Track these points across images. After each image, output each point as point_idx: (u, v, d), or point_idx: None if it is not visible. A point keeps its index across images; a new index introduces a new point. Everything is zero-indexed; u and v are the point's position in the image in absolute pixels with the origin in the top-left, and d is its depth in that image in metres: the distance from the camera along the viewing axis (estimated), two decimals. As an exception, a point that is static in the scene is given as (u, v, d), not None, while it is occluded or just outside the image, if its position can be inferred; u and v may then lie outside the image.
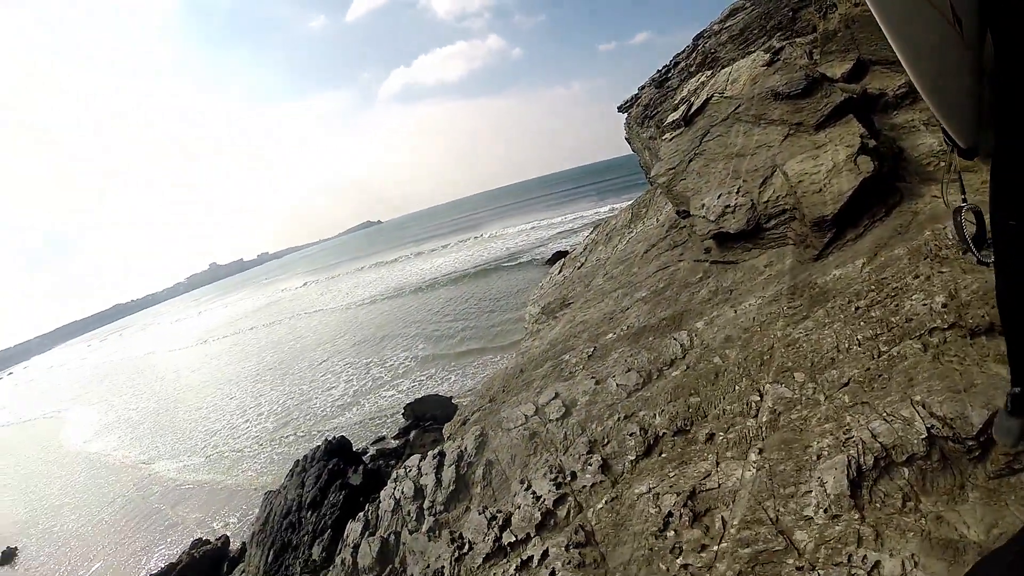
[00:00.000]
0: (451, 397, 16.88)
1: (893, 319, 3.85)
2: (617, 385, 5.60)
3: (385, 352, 24.80)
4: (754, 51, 9.69)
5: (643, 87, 12.60)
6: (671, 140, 8.96)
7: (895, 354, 3.51)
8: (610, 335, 7.20)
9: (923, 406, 2.94)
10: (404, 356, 23.43)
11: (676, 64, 11.95)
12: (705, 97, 8.78)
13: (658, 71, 12.24)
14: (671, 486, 3.80)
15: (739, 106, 8.05)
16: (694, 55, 11.46)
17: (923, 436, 2.82)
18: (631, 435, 4.66)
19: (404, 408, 17.30)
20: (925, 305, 3.75)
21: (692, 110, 8.87)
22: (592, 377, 6.10)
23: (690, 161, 8.28)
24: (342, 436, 15.33)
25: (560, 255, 18.24)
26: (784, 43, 9.26)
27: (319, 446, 14.63)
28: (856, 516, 2.79)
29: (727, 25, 10.95)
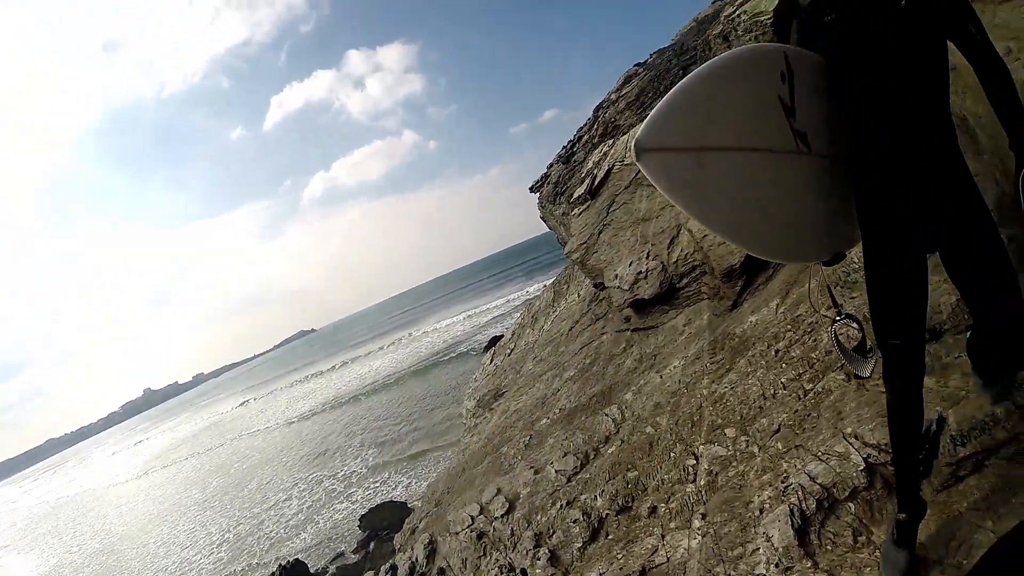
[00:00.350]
0: (405, 502, 16.06)
1: (813, 355, 3.77)
2: (556, 472, 5.36)
3: (335, 464, 23.61)
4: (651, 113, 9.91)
5: (551, 165, 12.77)
6: (579, 215, 8.96)
7: (820, 390, 3.43)
8: (544, 420, 6.97)
9: (856, 437, 2.86)
10: (355, 465, 22.33)
11: (580, 138, 12.15)
12: (607, 168, 8.89)
13: (564, 147, 12.45)
14: (620, 568, 3.58)
15: (639, 171, 8.01)
16: (596, 127, 11.65)
17: (861, 467, 2.71)
18: (575, 522, 4.43)
19: (360, 519, 16.39)
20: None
21: (596, 182, 8.94)
22: (531, 467, 5.85)
23: (599, 233, 8.29)
24: (297, 559, 14.19)
25: (496, 339, 17.98)
26: (677, 104, 9.46)
27: (273, 573, 13.52)
28: (809, 564, 2.60)
29: (623, 93, 11.24)
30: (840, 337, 1.89)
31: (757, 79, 1.50)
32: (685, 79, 1.36)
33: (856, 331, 1.85)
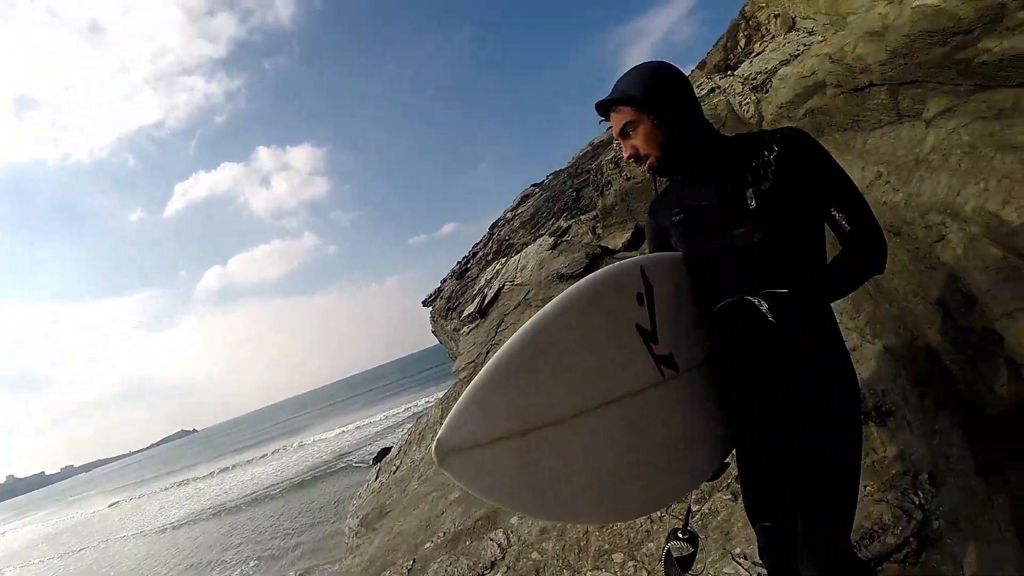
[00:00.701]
0: None
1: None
2: (440, 600, 4.84)
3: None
4: (544, 233, 9.69)
5: (445, 280, 12.31)
6: (469, 333, 8.40)
7: (707, 511, 3.29)
8: (428, 544, 6.48)
9: (744, 557, 2.78)
10: None
11: (475, 254, 11.85)
12: (498, 287, 8.46)
13: (458, 262, 12.08)
14: None
15: (529, 292, 7.72)
16: (491, 244, 11.41)
17: (751, 588, 2.57)
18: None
19: None
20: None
21: (486, 301, 8.46)
22: (414, 594, 5.32)
23: (487, 352, 7.66)
24: None
25: (385, 452, 17.06)
26: (571, 222, 9.38)
27: None
28: None
29: (519, 211, 11.10)
30: (672, 550, 1.81)
31: (606, 318, 1.34)
32: (503, 349, 1.16)
33: (689, 549, 1.77)
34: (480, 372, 1.13)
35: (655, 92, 1.49)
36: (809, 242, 1.47)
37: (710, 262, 1.53)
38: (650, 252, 1.78)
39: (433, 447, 1.06)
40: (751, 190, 1.43)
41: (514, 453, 1.13)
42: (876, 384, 2.55)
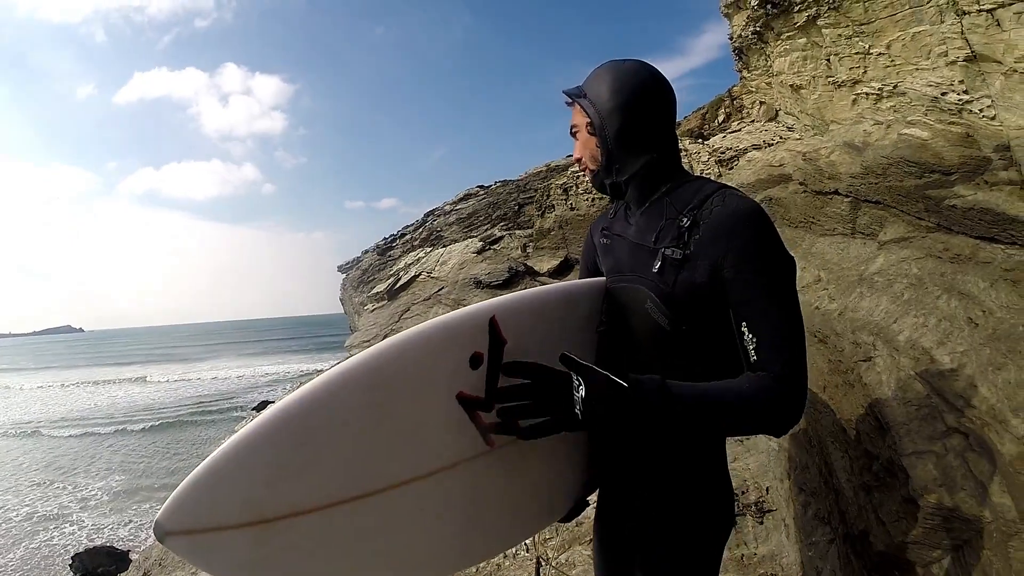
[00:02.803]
0: (128, 551, 13.21)
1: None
2: None
3: (77, 479, 19.64)
4: (476, 236, 9.58)
5: (367, 251, 11.95)
6: (372, 311, 8.14)
7: (564, 561, 3.06)
8: None
9: None
10: (98, 487, 18.62)
11: (403, 235, 11.61)
12: (414, 273, 8.24)
13: (384, 239, 11.78)
14: None
15: (443, 288, 7.56)
16: (421, 230, 11.23)
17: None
18: None
19: (72, 559, 13.23)
20: None
21: (398, 284, 8.21)
22: None
23: (385, 336, 7.30)
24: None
25: (265, 404, 16.60)
26: (504, 233, 9.31)
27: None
28: None
29: (458, 207, 10.98)
30: None
31: (417, 386, 1.10)
32: (274, 409, 0.96)
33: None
34: (233, 437, 0.94)
35: (611, 96, 1.27)
36: (711, 336, 1.18)
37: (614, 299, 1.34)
38: (580, 269, 1.62)
39: (155, 521, 0.89)
40: (663, 250, 1.19)
41: (251, 541, 0.96)
42: (762, 479, 2.57)
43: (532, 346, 1.21)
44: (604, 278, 1.40)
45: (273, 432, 0.95)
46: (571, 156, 1.40)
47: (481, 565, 3.29)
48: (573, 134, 1.36)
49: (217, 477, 0.92)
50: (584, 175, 1.38)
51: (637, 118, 1.26)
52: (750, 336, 1.07)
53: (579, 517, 1.60)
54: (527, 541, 3.10)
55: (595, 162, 1.33)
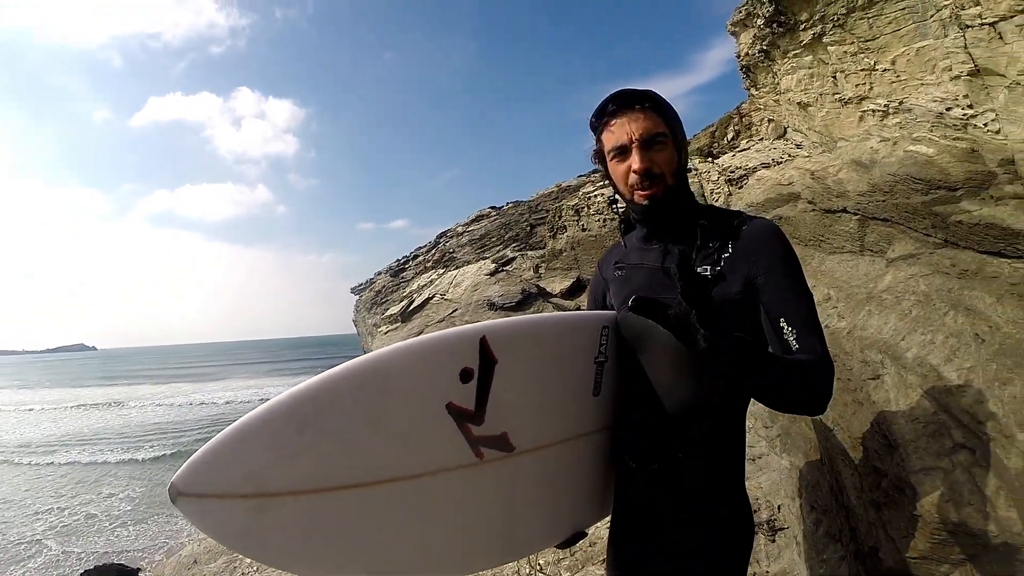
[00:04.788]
0: (139, 569, 13.13)
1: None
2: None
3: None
4: (488, 257, 9.61)
5: (379, 273, 12.04)
6: (386, 333, 8.16)
7: None
8: None
9: None
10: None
11: (415, 257, 11.67)
12: (427, 295, 8.28)
13: (397, 260, 11.88)
14: None
15: (456, 310, 7.57)
16: (434, 251, 11.29)
17: None
18: None
19: (82, 575, 13.20)
20: None
21: (412, 306, 8.25)
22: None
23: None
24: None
25: None
26: (517, 254, 9.34)
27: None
28: None
29: (470, 228, 11.06)
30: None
31: (413, 390, 1.18)
32: (287, 394, 1.06)
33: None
34: (245, 416, 1.05)
35: (676, 121, 1.32)
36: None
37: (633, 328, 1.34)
38: (587, 304, 1.64)
39: (169, 482, 1.00)
40: (697, 271, 1.19)
41: (250, 511, 1.05)
42: (773, 498, 2.53)
43: (524, 369, 1.29)
44: (609, 311, 1.42)
45: (278, 416, 1.05)
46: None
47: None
48: (652, 143, 1.28)
49: (227, 449, 1.02)
50: (644, 189, 1.30)
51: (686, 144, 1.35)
52: (789, 328, 1.20)
53: (591, 537, 1.59)
54: (530, 560, 3.07)
55: (675, 179, 1.32)
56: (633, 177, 1.30)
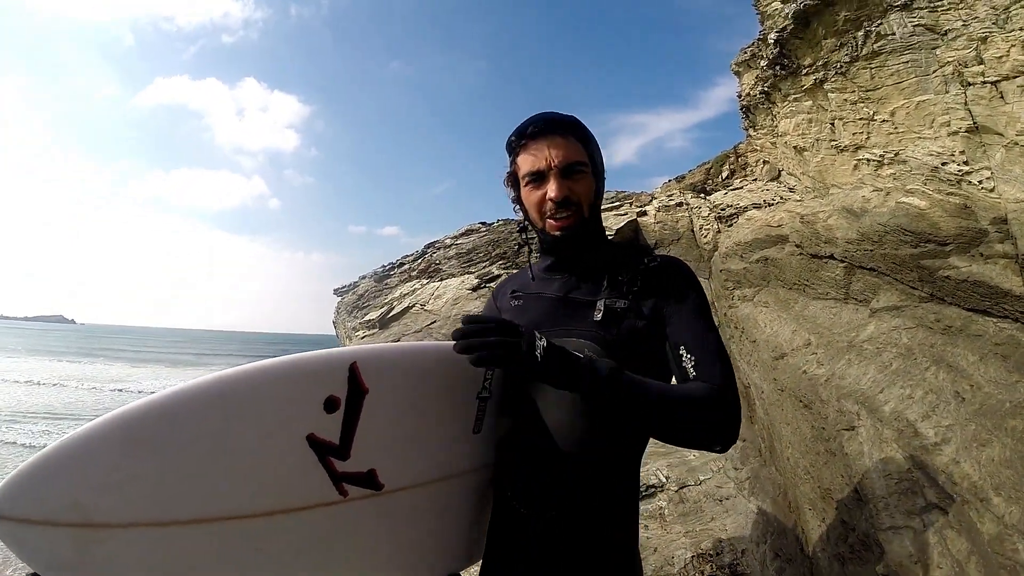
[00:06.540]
0: None
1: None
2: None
3: None
4: (473, 272, 9.57)
5: (364, 277, 11.92)
6: (363, 338, 8.08)
7: None
8: None
9: None
10: None
11: (402, 264, 11.60)
12: (407, 304, 8.20)
13: (383, 266, 11.78)
14: None
15: (435, 322, 7.50)
16: (420, 261, 11.21)
17: None
18: None
19: None
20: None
21: (391, 314, 8.17)
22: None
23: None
24: None
25: None
26: (502, 271, 9.29)
27: None
28: None
29: (458, 241, 11.00)
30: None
31: (272, 417, 1.07)
32: (109, 417, 0.93)
33: None
34: (72, 434, 0.92)
35: (597, 150, 1.32)
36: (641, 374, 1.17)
37: None
38: None
39: None
40: (603, 301, 1.22)
41: (74, 543, 0.94)
42: (738, 542, 2.47)
43: (398, 401, 1.19)
44: None
45: (106, 436, 0.93)
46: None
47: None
48: (572, 171, 1.25)
49: (51, 469, 0.90)
50: (558, 220, 1.26)
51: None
52: (688, 356, 1.15)
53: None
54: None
55: (591, 210, 1.30)
56: (549, 205, 1.26)
